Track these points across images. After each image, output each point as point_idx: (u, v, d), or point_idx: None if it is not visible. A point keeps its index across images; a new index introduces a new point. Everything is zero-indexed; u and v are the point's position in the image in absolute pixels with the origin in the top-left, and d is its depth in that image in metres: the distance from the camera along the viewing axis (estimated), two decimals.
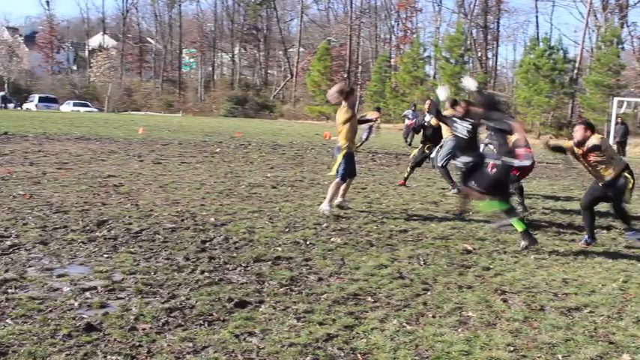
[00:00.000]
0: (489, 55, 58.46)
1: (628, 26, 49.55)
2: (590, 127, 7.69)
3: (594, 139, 7.50)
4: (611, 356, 4.31)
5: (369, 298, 5.21)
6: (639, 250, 7.72)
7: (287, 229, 7.72)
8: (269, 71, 78.60)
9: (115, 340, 4.02)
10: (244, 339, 4.20)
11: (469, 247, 7.29)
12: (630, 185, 7.65)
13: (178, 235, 7.11)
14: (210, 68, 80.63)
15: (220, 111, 64.97)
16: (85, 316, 4.40)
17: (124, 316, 4.44)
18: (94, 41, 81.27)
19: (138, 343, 3.99)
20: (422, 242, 7.46)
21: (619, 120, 30.94)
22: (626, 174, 7.61)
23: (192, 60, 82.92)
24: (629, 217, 8.08)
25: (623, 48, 45.59)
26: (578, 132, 7.64)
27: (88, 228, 7.18)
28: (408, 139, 24.96)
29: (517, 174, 10.03)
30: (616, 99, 33.43)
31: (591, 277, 6.35)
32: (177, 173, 12.48)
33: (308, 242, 7.09)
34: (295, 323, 4.53)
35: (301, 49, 71.73)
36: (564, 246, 7.66)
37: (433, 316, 4.87)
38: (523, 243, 7.26)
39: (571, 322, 4.95)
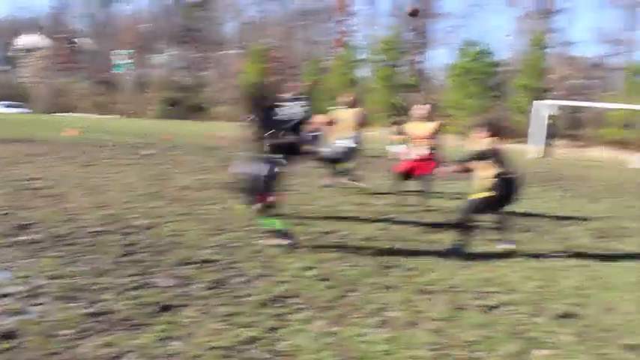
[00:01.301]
0: (422, 58, 59.20)
1: (554, 32, 50.89)
2: (490, 129, 7.61)
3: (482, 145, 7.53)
4: (529, 352, 4.46)
5: (294, 300, 5.24)
6: (558, 251, 7.96)
7: (215, 232, 7.69)
8: (204, 73, 77.96)
9: (32, 347, 3.95)
10: (168, 343, 4.18)
11: (395, 248, 7.39)
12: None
13: (104, 238, 6.99)
14: (145, 69, 79.52)
15: (154, 112, 64.24)
16: (1, 323, 4.30)
17: (43, 322, 4.35)
18: (26, 40, 79.31)
19: (57, 350, 3.93)
20: (348, 243, 7.54)
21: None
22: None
23: (127, 61, 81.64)
24: (467, 226, 7.56)
25: (549, 53, 46.92)
26: (475, 133, 7.73)
27: (10, 232, 6.99)
28: None
29: (420, 172, 10.23)
30: (535, 102, 34.61)
31: (512, 275, 6.54)
32: (107, 176, 12.27)
33: (235, 244, 7.08)
34: (219, 326, 4.53)
35: (237, 52, 71.38)
36: (486, 246, 7.84)
37: (357, 317, 4.93)
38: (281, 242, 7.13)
39: (492, 320, 5.09)
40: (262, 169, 6.95)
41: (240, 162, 7.37)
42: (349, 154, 12.28)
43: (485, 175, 7.34)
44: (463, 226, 7.48)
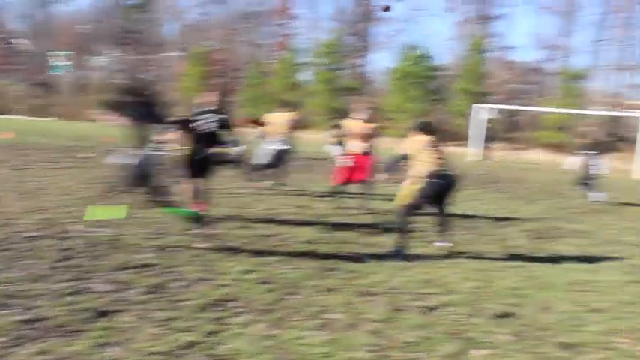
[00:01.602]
0: (363, 62, 59.53)
1: (493, 37, 51.76)
2: (422, 130, 7.73)
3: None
4: (468, 352, 4.53)
5: (234, 304, 5.22)
6: (496, 252, 8.12)
7: (154, 235, 7.60)
8: (144, 75, 77.00)
9: None
10: (105, 349, 4.11)
11: (336, 251, 7.42)
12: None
13: (40, 243, 6.82)
14: (85, 71, 78.09)
15: (94, 115, 63.15)
16: None
17: None
18: None
19: None
20: (289, 246, 7.55)
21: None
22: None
23: (66, 63, 79.99)
24: (405, 229, 7.61)
25: (488, 57, 47.71)
26: (410, 134, 7.80)
27: None
28: None
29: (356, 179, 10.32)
30: (474, 106, 35.27)
31: (451, 276, 6.63)
32: (43, 179, 11.99)
33: (175, 248, 7.01)
34: (158, 331, 4.48)
35: (178, 54, 70.70)
36: (426, 247, 7.94)
37: (297, 320, 4.94)
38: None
39: (431, 321, 5.16)
40: (139, 159, 7.02)
41: (118, 154, 7.36)
42: (280, 157, 12.38)
43: (418, 173, 7.44)
44: (401, 228, 7.55)
